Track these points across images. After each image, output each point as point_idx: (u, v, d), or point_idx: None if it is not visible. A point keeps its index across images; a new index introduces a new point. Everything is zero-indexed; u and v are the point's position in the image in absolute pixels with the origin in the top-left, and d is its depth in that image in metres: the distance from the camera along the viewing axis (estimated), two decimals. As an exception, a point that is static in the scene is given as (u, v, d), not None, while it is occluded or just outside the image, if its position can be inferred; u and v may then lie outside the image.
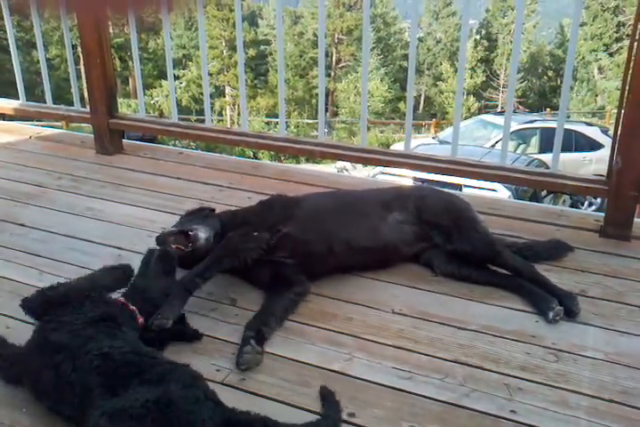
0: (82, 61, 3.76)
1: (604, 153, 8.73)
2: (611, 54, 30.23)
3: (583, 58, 30.62)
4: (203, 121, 3.87)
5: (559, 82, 29.77)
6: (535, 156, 10.22)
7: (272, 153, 16.51)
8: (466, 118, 16.05)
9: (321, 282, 2.34)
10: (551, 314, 2.14)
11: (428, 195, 2.59)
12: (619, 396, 1.79)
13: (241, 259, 2.22)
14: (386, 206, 2.47)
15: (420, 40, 32.00)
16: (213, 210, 2.57)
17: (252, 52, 29.06)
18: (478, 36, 33.30)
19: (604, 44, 30.35)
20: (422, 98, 33.03)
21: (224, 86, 29.02)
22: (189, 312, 2.10)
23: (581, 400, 1.78)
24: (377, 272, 2.44)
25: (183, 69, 28.70)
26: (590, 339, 2.06)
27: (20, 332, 2.06)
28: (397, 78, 31.26)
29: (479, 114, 21.18)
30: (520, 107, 26.94)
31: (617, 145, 2.67)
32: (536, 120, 12.78)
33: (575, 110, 27.47)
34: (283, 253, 2.31)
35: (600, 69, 31.30)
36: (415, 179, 7.24)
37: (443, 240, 2.43)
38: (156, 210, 3.05)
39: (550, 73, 33.61)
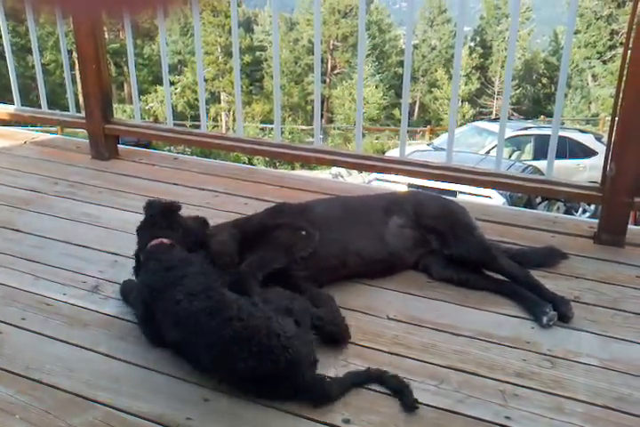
0: (77, 67, 3.76)
1: (598, 160, 8.75)
2: (604, 62, 30.41)
3: (577, 65, 30.80)
4: (198, 127, 3.87)
5: (553, 89, 29.92)
6: (529, 162, 10.25)
7: (267, 159, 16.51)
8: (460, 125, 16.10)
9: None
10: (545, 319, 2.15)
11: (425, 200, 2.60)
12: (614, 402, 1.80)
13: (295, 257, 2.22)
14: (386, 211, 2.48)
15: (415, 47, 32.14)
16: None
17: (247, 58, 29.13)
18: (473, 44, 33.49)
19: (597, 52, 30.53)
20: (417, 105, 33.14)
21: (219, 92, 29.04)
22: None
23: (576, 406, 1.78)
24: (373, 278, 2.44)
25: (178, 75, 28.73)
26: (585, 345, 2.07)
27: (14, 337, 2.06)
28: (392, 85, 31.36)
29: (474, 121, 21.25)
30: (514, 114, 27.07)
31: (611, 152, 2.68)
32: (530, 127, 12.83)
33: (569, 117, 27.59)
34: (299, 267, 2.28)
35: (594, 77, 31.48)
36: (410, 185, 7.25)
37: (439, 245, 2.45)
38: (152, 215, 3.04)
39: (544, 80, 33.78)
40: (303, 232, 2.30)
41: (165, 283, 1.90)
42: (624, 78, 2.56)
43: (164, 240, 2.10)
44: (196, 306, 1.80)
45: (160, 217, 2.18)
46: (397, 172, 3.31)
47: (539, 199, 8.91)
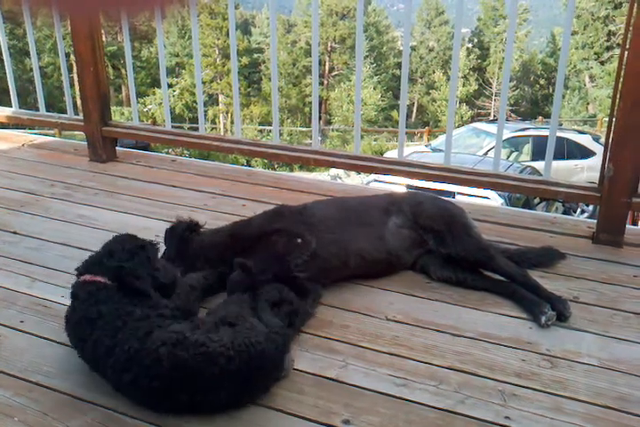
0: (75, 69, 3.76)
1: (596, 161, 8.78)
2: (602, 63, 30.49)
3: (574, 66, 30.89)
4: (196, 129, 3.87)
5: (551, 90, 30.01)
6: (528, 163, 10.26)
7: (266, 161, 16.52)
8: (458, 126, 16.13)
9: (315, 289, 2.33)
10: (544, 318, 2.14)
11: (423, 200, 2.60)
12: (615, 402, 1.79)
13: (290, 266, 2.22)
14: (385, 211, 2.49)
15: (413, 49, 32.21)
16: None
17: (245, 60, 29.14)
18: (470, 45, 33.57)
19: (594, 53, 30.62)
20: (415, 106, 33.21)
21: (217, 94, 29.06)
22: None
23: (577, 407, 1.77)
24: (373, 279, 2.44)
25: (176, 77, 28.74)
26: (585, 345, 2.06)
27: (12, 339, 2.06)
28: (390, 87, 31.43)
29: (472, 122, 21.28)
30: (512, 115, 27.11)
31: (608, 152, 2.69)
32: (528, 128, 12.86)
33: (567, 118, 27.65)
34: (300, 269, 2.28)
35: (591, 78, 31.56)
36: (408, 186, 7.25)
37: (437, 244, 2.44)
38: (150, 217, 3.04)
39: (542, 81, 33.88)
40: (299, 240, 2.29)
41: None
42: (621, 79, 2.56)
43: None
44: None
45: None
46: (396, 173, 3.31)
47: (537, 200, 8.92)
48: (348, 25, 30.82)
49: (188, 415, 1.71)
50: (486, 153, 10.71)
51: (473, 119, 27.48)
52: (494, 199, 7.89)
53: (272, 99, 3.59)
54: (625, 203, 2.72)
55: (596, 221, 2.88)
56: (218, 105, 29.15)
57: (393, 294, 2.37)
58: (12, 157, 3.94)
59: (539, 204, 9.13)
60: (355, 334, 2.10)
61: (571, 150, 11.18)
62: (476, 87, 31.75)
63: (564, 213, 9.51)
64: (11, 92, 4.19)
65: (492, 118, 23.73)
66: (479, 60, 32.82)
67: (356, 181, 11.82)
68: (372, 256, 2.39)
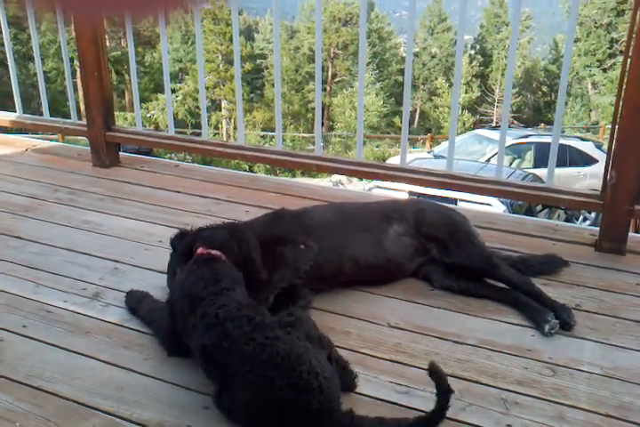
0: (79, 74, 3.78)
1: (599, 168, 8.77)
2: (604, 70, 30.52)
3: (577, 73, 30.93)
4: (199, 134, 3.88)
5: (553, 97, 30.06)
6: (530, 170, 10.25)
7: (268, 167, 16.54)
8: (461, 133, 16.14)
9: (318, 296, 2.33)
10: (547, 327, 2.14)
11: (426, 208, 2.60)
12: (615, 410, 1.79)
13: (300, 273, 2.24)
14: (386, 218, 2.48)
15: (416, 55, 32.28)
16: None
17: (248, 66, 29.20)
18: (473, 52, 33.63)
19: (597, 60, 30.66)
20: (417, 113, 33.23)
21: (220, 100, 29.11)
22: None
23: (578, 415, 1.77)
24: (374, 286, 2.44)
25: (179, 83, 28.81)
26: (586, 353, 2.06)
27: (14, 344, 2.06)
28: (393, 93, 31.46)
29: (474, 129, 21.28)
30: (515, 122, 27.12)
31: (611, 160, 2.69)
32: (531, 135, 12.85)
33: (569, 125, 27.63)
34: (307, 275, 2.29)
35: (594, 85, 31.58)
36: (411, 193, 7.25)
37: (440, 253, 2.44)
38: (153, 223, 3.05)
39: (545, 88, 33.92)
40: (302, 246, 2.30)
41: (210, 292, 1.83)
42: (624, 86, 2.57)
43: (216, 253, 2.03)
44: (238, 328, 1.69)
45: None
46: (398, 179, 3.31)
47: (539, 207, 8.91)
48: (350, 31, 30.89)
49: (189, 420, 1.71)
50: (489, 160, 10.70)
51: (475, 126, 27.48)
52: (496, 206, 7.89)
53: (275, 105, 3.60)
54: (628, 210, 2.72)
55: (598, 228, 2.88)
56: (221, 111, 29.20)
57: (395, 300, 2.37)
58: (15, 162, 3.95)
59: (541, 211, 9.12)
60: (356, 341, 2.10)
61: (573, 157, 11.17)
62: (479, 94, 31.77)
63: (567, 220, 9.50)
64: (15, 97, 4.21)
65: (494, 125, 23.76)
66: (482, 67, 32.86)
67: (358, 188, 11.82)
68: (368, 261, 2.39)
